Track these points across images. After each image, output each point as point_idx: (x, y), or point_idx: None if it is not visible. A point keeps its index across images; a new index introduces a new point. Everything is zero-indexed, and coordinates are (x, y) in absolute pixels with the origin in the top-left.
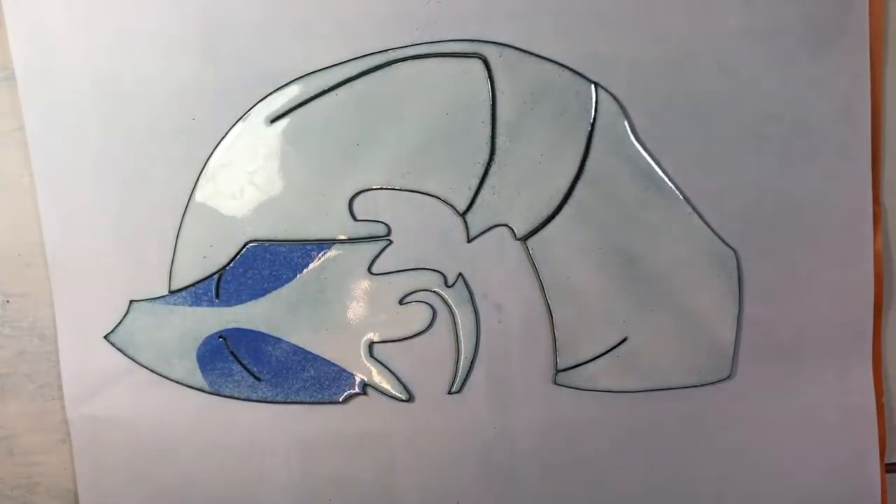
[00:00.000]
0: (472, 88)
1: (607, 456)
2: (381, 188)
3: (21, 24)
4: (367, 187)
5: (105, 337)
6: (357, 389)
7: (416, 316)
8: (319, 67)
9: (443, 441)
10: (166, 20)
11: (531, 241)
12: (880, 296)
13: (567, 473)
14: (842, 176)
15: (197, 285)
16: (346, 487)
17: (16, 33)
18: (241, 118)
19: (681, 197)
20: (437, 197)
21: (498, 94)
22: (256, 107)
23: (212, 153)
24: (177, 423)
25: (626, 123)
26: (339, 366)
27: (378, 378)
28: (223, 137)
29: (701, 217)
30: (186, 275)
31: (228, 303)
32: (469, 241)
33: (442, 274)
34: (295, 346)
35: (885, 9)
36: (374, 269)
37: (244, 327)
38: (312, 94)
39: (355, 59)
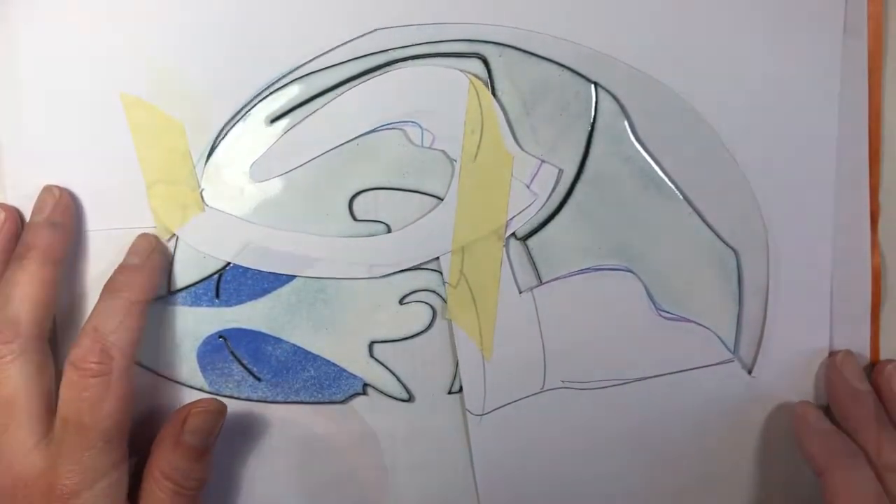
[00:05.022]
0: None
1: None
2: (381, 188)
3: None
4: (367, 187)
5: None
6: (357, 389)
7: (416, 316)
8: (318, 67)
9: (443, 441)
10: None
11: (531, 241)
12: (878, 295)
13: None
14: (840, 175)
15: (197, 285)
16: (346, 487)
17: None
18: (240, 118)
19: (681, 197)
20: (437, 197)
21: (498, 94)
22: (256, 107)
23: (211, 153)
24: None
25: (626, 123)
26: (339, 366)
27: (378, 378)
28: (222, 137)
29: (701, 217)
30: (186, 275)
31: (228, 303)
32: None
33: (442, 274)
34: (295, 346)
35: (884, 9)
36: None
37: (244, 327)
38: (312, 94)
39: (355, 59)
